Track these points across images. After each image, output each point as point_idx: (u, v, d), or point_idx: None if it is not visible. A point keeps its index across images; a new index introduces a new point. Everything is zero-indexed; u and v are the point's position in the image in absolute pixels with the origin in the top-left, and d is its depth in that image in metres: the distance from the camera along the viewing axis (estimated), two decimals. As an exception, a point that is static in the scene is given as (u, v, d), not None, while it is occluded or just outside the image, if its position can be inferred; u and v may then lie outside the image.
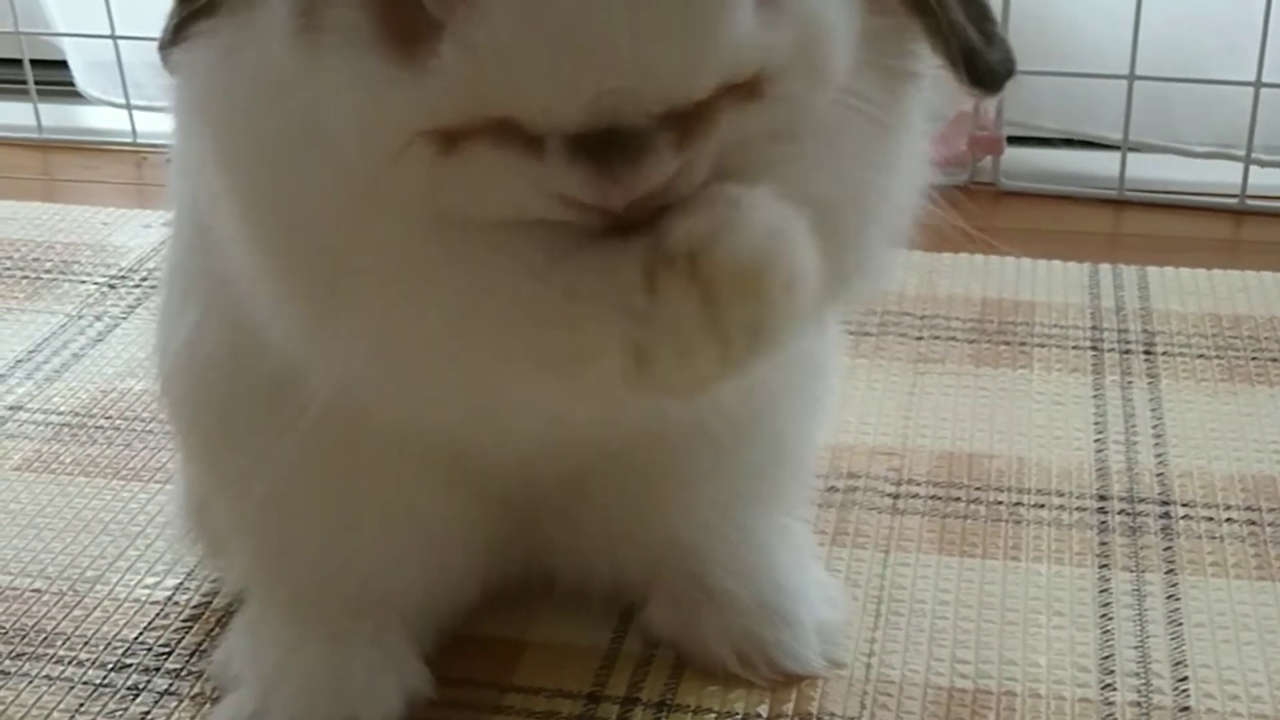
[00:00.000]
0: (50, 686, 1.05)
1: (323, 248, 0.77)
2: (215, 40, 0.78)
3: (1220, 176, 1.82)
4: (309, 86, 0.72)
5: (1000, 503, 1.23)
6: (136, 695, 1.04)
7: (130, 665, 1.07)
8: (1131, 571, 1.14)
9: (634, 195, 0.68)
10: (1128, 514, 1.21)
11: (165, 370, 1.03)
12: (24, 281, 1.65)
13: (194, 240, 0.93)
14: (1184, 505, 1.22)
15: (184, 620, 1.12)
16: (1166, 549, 1.17)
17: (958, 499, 1.23)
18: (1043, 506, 1.22)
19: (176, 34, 0.78)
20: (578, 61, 0.65)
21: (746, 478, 1.04)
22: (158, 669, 1.07)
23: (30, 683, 1.06)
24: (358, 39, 0.69)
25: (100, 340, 1.52)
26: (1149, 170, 1.84)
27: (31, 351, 1.50)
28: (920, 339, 1.48)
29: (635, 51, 0.65)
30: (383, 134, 0.70)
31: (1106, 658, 1.05)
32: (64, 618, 1.12)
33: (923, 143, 0.87)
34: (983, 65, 0.79)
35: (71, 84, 2.15)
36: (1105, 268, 1.63)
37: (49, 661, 1.08)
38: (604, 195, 0.68)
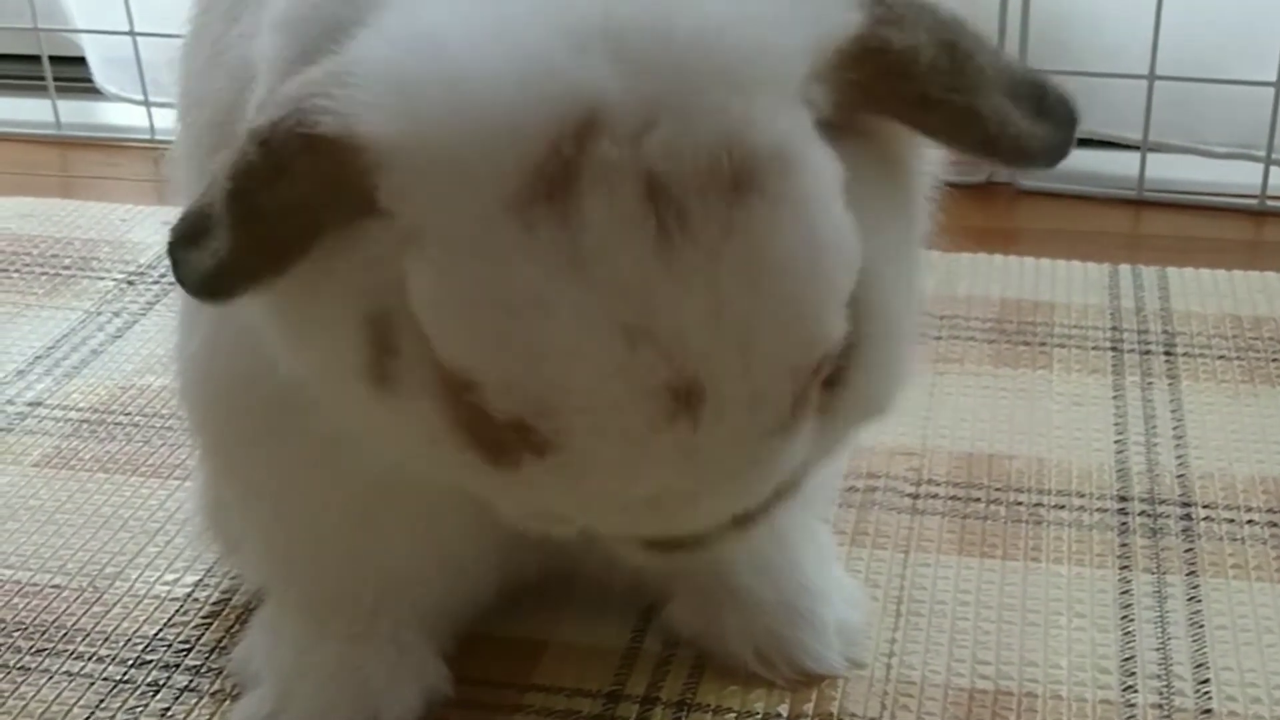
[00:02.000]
0: (70, 682, 1.05)
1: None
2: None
3: (1241, 177, 1.81)
4: (379, 422, 0.74)
5: (1020, 503, 1.22)
6: (156, 692, 1.04)
7: (150, 661, 1.07)
8: (1152, 573, 1.14)
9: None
10: (1148, 515, 1.20)
11: (183, 373, 1.03)
12: (43, 278, 1.65)
13: None
14: (1205, 507, 1.21)
15: (204, 617, 1.12)
16: (1188, 551, 1.16)
17: (978, 499, 1.23)
18: (1063, 507, 1.22)
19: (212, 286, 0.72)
20: (647, 519, 0.68)
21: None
22: (178, 665, 1.07)
23: (50, 678, 1.06)
24: (434, 424, 0.70)
25: (119, 336, 1.52)
26: (1169, 170, 1.83)
27: (50, 348, 1.51)
28: (939, 339, 1.48)
29: (698, 510, 0.69)
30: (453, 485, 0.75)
31: (1128, 659, 1.05)
32: (84, 614, 1.12)
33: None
34: (1036, 148, 0.74)
35: (90, 81, 2.16)
36: (1125, 268, 1.62)
37: (69, 657, 1.08)
38: (662, 563, 0.78)
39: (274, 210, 0.67)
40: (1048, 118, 0.74)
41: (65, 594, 1.14)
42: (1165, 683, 1.03)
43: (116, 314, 1.57)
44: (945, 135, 0.72)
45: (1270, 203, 1.79)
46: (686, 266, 0.61)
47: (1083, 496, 1.23)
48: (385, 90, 0.64)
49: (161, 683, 1.05)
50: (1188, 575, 1.14)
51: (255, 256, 0.68)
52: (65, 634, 1.10)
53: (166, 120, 2.02)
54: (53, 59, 2.09)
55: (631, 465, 0.65)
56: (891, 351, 0.72)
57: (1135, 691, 1.02)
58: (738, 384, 0.63)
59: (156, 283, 1.63)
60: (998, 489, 1.24)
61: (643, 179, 0.61)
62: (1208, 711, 1.00)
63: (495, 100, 0.61)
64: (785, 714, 1.01)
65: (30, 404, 1.40)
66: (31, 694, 1.04)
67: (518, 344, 0.63)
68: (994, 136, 0.71)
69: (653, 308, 0.61)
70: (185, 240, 0.71)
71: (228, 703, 1.03)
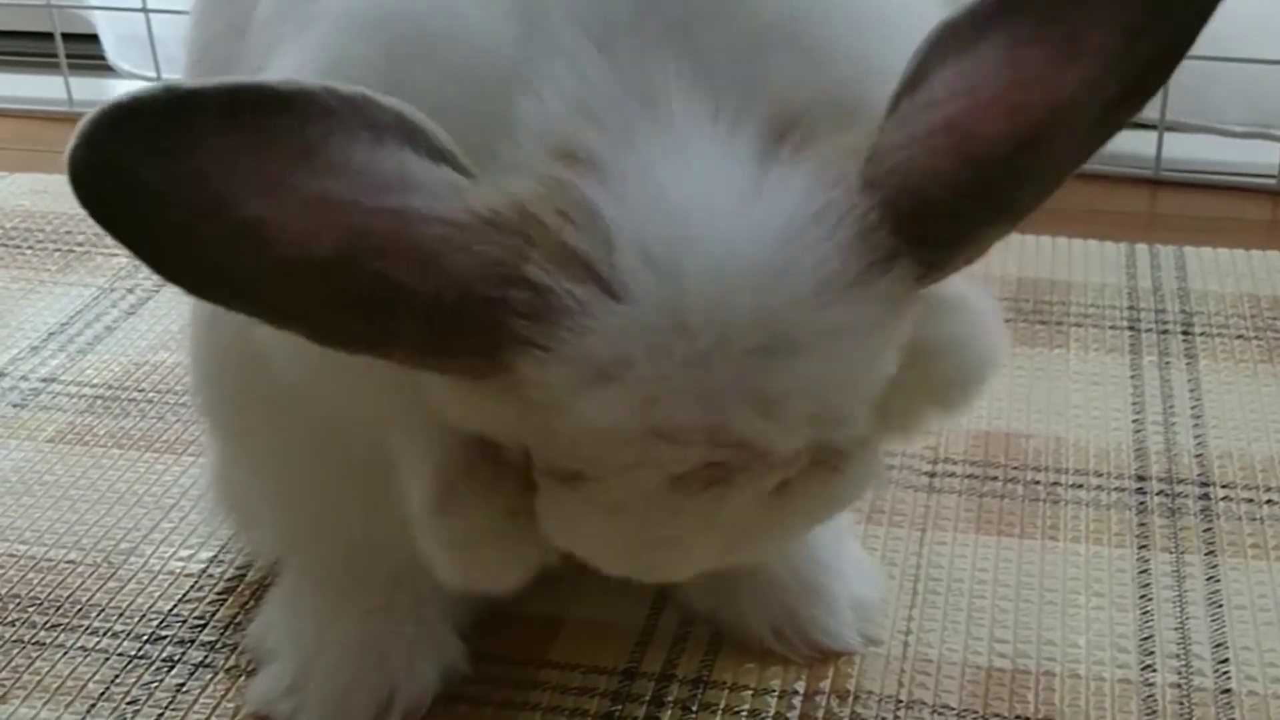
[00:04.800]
0: (85, 658, 1.05)
1: None
2: None
3: (1259, 157, 1.80)
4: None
5: (1038, 482, 1.22)
6: (171, 667, 1.04)
7: (165, 637, 1.07)
8: (1171, 553, 1.13)
9: None
10: (1166, 495, 1.20)
11: (193, 347, 1.03)
12: (56, 254, 1.65)
13: None
14: (1224, 487, 1.21)
15: (219, 593, 1.11)
16: (1206, 530, 1.16)
17: (995, 478, 1.22)
18: (1081, 486, 1.21)
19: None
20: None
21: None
22: (193, 641, 1.07)
23: (65, 654, 1.06)
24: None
25: (133, 313, 1.52)
26: (1186, 150, 1.82)
27: (64, 324, 1.50)
28: (956, 318, 1.47)
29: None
30: None
31: (1146, 639, 1.05)
32: (99, 589, 1.12)
33: None
34: None
35: (102, 58, 2.15)
36: (1142, 247, 1.61)
37: (84, 633, 1.08)
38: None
39: (400, 353, 0.67)
40: None
41: (80, 569, 1.14)
42: (1184, 662, 1.02)
43: (130, 290, 1.57)
44: None
45: (1288, 183, 1.78)
46: (777, 515, 0.74)
47: (1100, 476, 1.22)
48: (598, 378, 0.67)
49: (176, 658, 1.05)
50: (1206, 555, 1.13)
51: (331, 338, 0.67)
52: (80, 609, 1.10)
53: (179, 97, 2.01)
54: (65, 36, 2.08)
55: None
56: None
57: (1154, 671, 1.02)
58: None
59: (170, 259, 1.62)
60: (1015, 468, 1.24)
61: (782, 482, 0.73)
62: (1227, 691, 1.00)
63: (698, 422, 0.68)
64: (802, 691, 1.00)
65: (44, 380, 1.40)
66: (46, 669, 1.04)
67: (642, 563, 0.76)
68: None
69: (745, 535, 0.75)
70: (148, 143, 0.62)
71: (243, 679, 1.03)
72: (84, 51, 2.14)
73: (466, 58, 0.70)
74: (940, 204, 0.67)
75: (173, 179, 0.60)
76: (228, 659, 1.05)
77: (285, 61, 0.74)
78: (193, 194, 0.61)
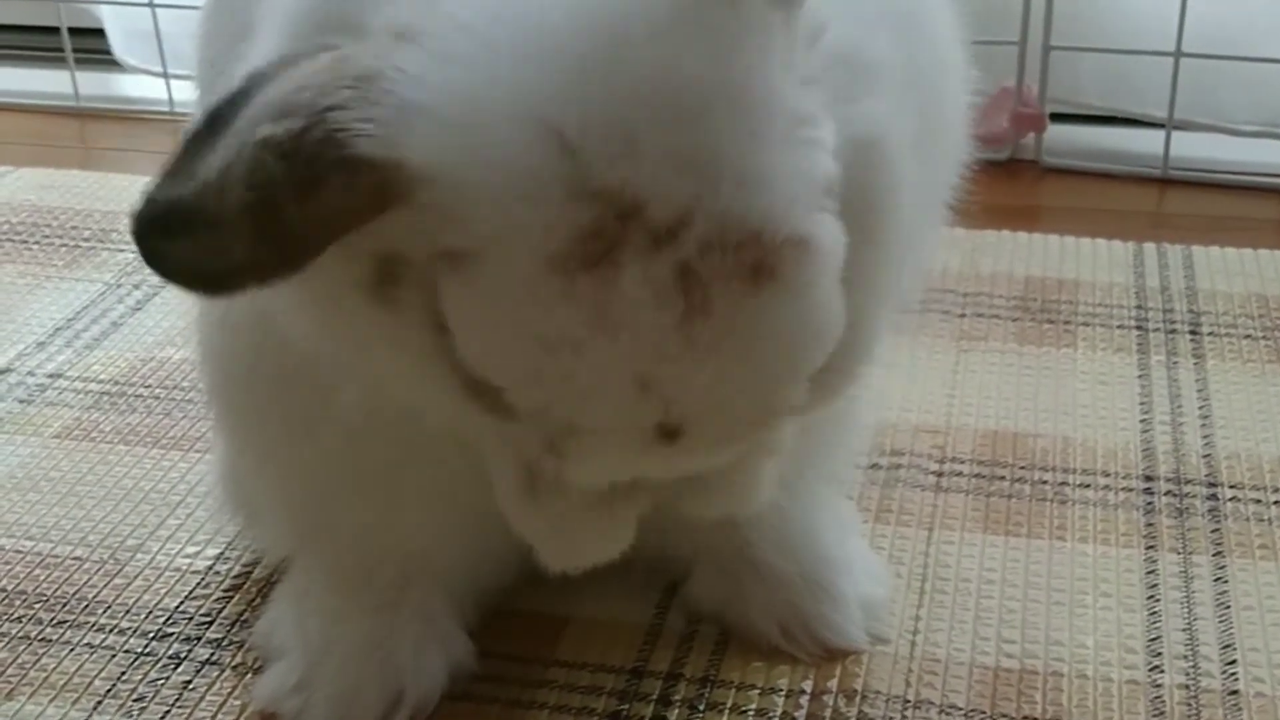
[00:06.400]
0: (92, 654, 1.05)
1: None
2: None
3: (1267, 156, 1.80)
4: (372, 345, 0.75)
5: (1045, 482, 1.22)
6: (178, 664, 1.04)
7: (172, 634, 1.07)
8: (1178, 553, 1.13)
9: None
10: (1174, 495, 1.20)
11: (202, 341, 1.03)
12: (62, 249, 1.65)
13: None
14: (1231, 487, 1.21)
15: (225, 590, 1.11)
16: (1214, 531, 1.16)
17: (1002, 478, 1.22)
18: (1088, 486, 1.21)
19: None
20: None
21: (792, 453, 1.02)
22: (199, 638, 1.06)
23: (72, 650, 1.05)
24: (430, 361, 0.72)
25: (139, 309, 1.52)
26: (1194, 149, 1.82)
27: (70, 319, 1.50)
28: (963, 316, 1.47)
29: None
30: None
31: (1154, 640, 1.04)
32: (105, 586, 1.12)
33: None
34: None
35: (109, 52, 2.15)
36: (1150, 246, 1.61)
37: (90, 629, 1.07)
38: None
39: (299, 222, 0.67)
40: None
41: (86, 566, 1.14)
42: (1192, 664, 1.02)
43: (136, 286, 1.57)
44: None
45: (1297, 182, 1.78)
46: (701, 341, 0.67)
47: (1108, 476, 1.22)
48: (438, 125, 0.66)
49: (183, 656, 1.05)
50: (1214, 556, 1.13)
51: (274, 260, 0.69)
52: (86, 606, 1.10)
53: (186, 93, 2.01)
54: (72, 30, 2.08)
55: (618, 463, 0.74)
56: (855, 349, 0.76)
57: (1162, 672, 1.01)
58: (712, 431, 0.72)
59: (176, 255, 1.62)
60: (1022, 467, 1.24)
61: (676, 266, 0.66)
62: (1234, 693, 1.00)
63: (551, 170, 0.65)
64: (809, 690, 1.00)
65: (50, 376, 1.40)
66: (53, 666, 1.04)
67: (546, 375, 0.68)
68: None
69: (665, 368, 0.68)
70: (162, 232, 0.71)
71: (249, 676, 1.02)
72: (90, 46, 2.14)
73: None
74: None
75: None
76: (234, 656, 1.05)
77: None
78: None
